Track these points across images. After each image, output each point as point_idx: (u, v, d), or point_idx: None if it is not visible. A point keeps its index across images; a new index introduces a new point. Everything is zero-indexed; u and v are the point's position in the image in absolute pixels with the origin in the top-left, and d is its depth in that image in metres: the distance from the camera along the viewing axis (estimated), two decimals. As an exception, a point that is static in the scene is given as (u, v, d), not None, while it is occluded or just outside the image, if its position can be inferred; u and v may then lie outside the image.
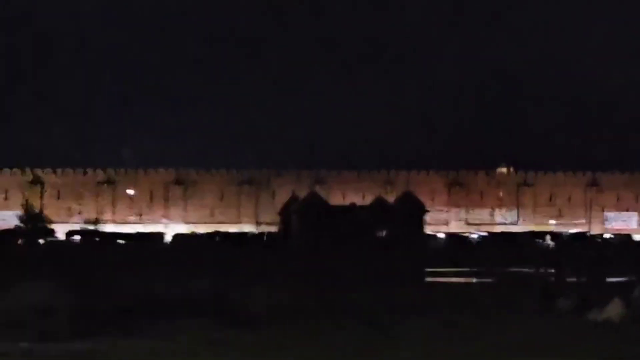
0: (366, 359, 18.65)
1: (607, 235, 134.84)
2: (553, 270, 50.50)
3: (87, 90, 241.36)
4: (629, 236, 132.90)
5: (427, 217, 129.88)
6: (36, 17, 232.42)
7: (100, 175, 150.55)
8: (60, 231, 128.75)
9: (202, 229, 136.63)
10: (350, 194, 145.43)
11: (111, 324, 23.24)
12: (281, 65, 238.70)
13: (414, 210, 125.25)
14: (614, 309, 26.89)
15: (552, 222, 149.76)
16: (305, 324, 24.11)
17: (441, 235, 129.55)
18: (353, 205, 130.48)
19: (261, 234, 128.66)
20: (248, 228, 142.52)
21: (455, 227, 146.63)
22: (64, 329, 21.74)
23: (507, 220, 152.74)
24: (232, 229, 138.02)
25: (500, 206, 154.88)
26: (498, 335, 22.16)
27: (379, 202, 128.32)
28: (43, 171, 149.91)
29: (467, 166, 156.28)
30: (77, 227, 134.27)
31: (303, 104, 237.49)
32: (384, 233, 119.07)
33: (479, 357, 19.21)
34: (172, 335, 22.06)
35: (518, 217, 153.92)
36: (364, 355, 19.04)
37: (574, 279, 42.71)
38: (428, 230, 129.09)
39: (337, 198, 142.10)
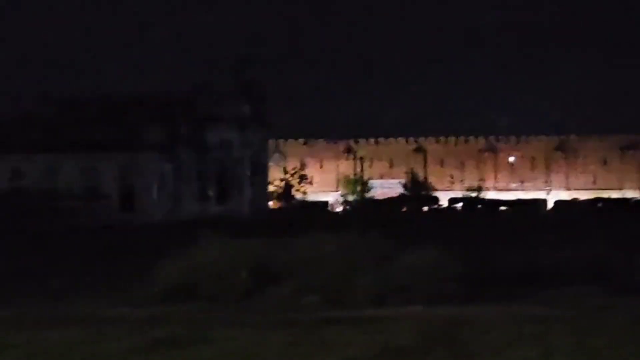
0: None
1: None
2: None
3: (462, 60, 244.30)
4: None
5: None
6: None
7: (482, 143, 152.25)
8: (443, 198, 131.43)
9: (584, 195, 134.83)
10: None
11: (494, 290, 23.81)
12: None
13: None
14: None
15: None
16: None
17: None
18: None
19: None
20: (631, 194, 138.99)
21: None
22: (450, 294, 22.56)
23: None
24: (615, 195, 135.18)
25: None
26: None
27: None
28: (426, 139, 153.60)
29: None
30: (459, 194, 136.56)
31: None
32: None
33: None
34: (554, 301, 22.30)
35: None
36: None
37: None
38: None
39: None
